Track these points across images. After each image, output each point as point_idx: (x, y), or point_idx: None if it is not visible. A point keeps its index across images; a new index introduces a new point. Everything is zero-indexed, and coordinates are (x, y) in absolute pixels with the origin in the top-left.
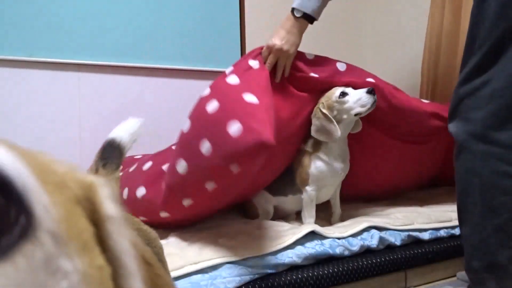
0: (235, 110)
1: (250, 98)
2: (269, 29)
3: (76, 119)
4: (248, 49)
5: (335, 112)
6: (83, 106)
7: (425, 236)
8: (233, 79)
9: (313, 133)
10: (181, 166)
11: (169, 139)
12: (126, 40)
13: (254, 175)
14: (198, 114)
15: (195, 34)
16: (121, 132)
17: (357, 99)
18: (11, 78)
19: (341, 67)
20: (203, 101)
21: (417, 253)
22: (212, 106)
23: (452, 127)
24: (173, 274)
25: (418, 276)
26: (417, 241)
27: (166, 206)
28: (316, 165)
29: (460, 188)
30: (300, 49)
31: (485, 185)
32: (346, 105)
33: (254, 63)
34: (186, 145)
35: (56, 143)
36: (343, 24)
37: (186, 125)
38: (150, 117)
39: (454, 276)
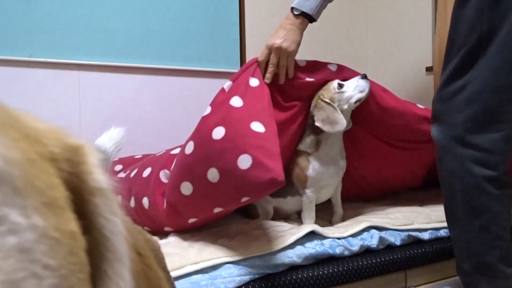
0: (244, 141)
1: (257, 127)
2: (269, 29)
3: (76, 119)
4: (248, 49)
5: (336, 103)
6: (83, 106)
7: (425, 236)
8: (236, 102)
9: (318, 123)
10: (186, 188)
11: (169, 138)
12: (126, 40)
13: None
14: (202, 138)
15: (195, 34)
16: (105, 140)
17: (355, 86)
18: (11, 78)
19: (332, 67)
20: (206, 123)
21: (417, 253)
22: (218, 132)
23: (434, 131)
24: (173, 274)
25: (418, 276)
26: (417, 241)
27: (170, 222)
28: (314, 167)
29: (445, 191)
30: (300, 50)
31: (467, 188)
32: (346, 94)
33: (254, 81)
34: (190, 168)
35: None
36: (344, 26)
37: (188, 146)
38: (150, 117)
39: (454, 276)
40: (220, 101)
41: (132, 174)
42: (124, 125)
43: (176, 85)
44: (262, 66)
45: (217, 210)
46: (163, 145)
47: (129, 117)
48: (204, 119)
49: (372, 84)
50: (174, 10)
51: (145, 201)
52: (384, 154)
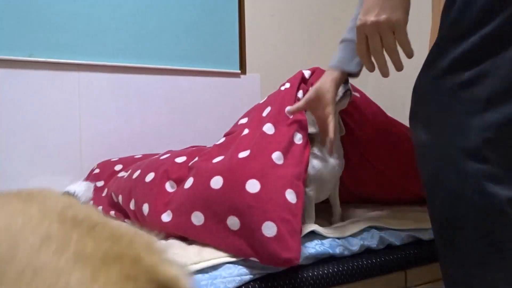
0: (275, 209)
1: (290, 197)
2: (269, 29)
3: (76, 119)
4: (248, 49)
5: None
6: (83, 106)
7: (425, 236)
8: (276, 156)
9: (311, 129)
10: (197, 218)
11: (169, 138)
12: (126, 40)
13: None
14: (234, 182)
15: (194, 34)
16: (77, 187)
17: None
18: (11, 78)
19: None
20: (243, 168)
21: (417, 253)
22: (252, 186)
23: (422, 134)
24: None
25: (418, 276)
26: (417, 241)
27: (167, 231)
28: (312, 164)
29: (439, 219)
30: (300, 51)
31: (482, 215)
32: None
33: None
34: (211, 203)
35: (56, 143)
36: (344, 27)
37: (216, 181)
38: (150, 117)
39: None
40: (259, 136)
41: (134, 176)
42: (124, 125)
43: (176, 85)
44: (362, 55)
45: (220, 249)
46: (163, 145)
47: (129, 117)
48: (234, 154)
49: (357, 90)
50: (174, 10)
51: (145, 208)
52: (370, 174)
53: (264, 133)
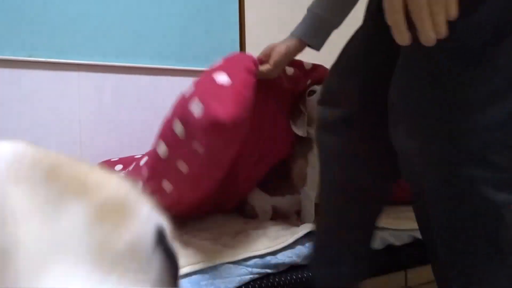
0: (202, 90)
1: (222, 78)
2: (269, 29)
3: (76, 119)
4: (248, 49)
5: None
6: (83, 106)
7: None
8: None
9: (300, 132)
10: (161, 148)
11: None
12: (126, 40)
13: (227, 161)
14: (177, 100)
15: (194, 34)
16: None
17: None
18: (11, 78)
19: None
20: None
21: (417, 253)
22: (188, 91)
23: (402, 135)
24: None
25: (418, 276)
26: (417, 241)
27: (149, 188)
28: (311, 164)
29: (437, 231)
30: (301, 54)
31: (489, 224)
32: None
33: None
34: (164, 128)
35: (56, 143)
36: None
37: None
38: (150, 117)
39: None
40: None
41: (131, 168)
42: (124, 125)
43: (176, 85)
44: (400, 24)
45: (181, 166)
46: None
47: (129, 117)
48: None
49: None
50: (174, 10)
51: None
52: None
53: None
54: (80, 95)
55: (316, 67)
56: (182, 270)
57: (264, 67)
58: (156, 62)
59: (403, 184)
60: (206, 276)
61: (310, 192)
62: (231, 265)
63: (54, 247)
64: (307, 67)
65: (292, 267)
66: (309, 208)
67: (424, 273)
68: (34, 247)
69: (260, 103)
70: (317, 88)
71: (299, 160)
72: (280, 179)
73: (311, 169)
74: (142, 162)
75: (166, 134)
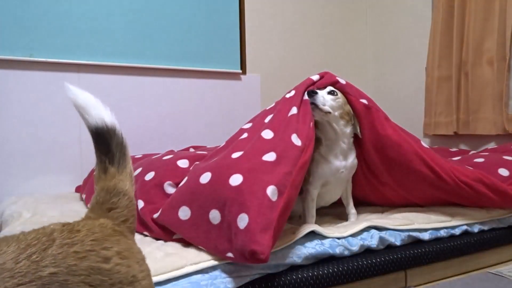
0: (251, 200)
1: (272, 193)
2: (269, 29)
3: (76, 119)
4: (248, 49)
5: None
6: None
7: (425, 236)
8: (267, 139)
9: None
10: (184, 213)
11: (169, 138)
12: (126, 41)
13: None
14: (219, 175)
15: (195, 34)
16: (100, 113)
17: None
18: (11, 78)
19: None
20: (228, 161)
21: (417, 253)
22: (235, 179)
23: None
24: (173, 274)
25: (418, 276)
26: (417, 241)
27: (154, 231)
28: (317, 163)
29: None
30: (303, 52)
31: None
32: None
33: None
34: (198, 197)
35: (56, 143)
36: (345, 27)
37: (205, 176)
38: (150, 117)
39: (454, 276)
40: (256, 139)
41: (134, 174)
42: (124, 125)
43: (176, 85)
44: None
45: (201, 246)
46: (163, 145)
47: (129, 117)
48: (228, 155)
49: (376, 109)
50: (174, 10)
51: (140, 203)
52: (370, 187)
53: (262, 137)
54: None
55: (322, 75)
56: (182, 270)
57: None
58: (156, 62)
59: (404, 195)
60: (206, 276)
61: (313, 190)
62: (231, 265)
63: None
64: (315, 79)
65: (292, 267)
66: (311, 208)
67: (424, 273)
68: None
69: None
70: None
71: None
72: None
73: (315, 167)
74: (147, 178)
75: (196, 207)
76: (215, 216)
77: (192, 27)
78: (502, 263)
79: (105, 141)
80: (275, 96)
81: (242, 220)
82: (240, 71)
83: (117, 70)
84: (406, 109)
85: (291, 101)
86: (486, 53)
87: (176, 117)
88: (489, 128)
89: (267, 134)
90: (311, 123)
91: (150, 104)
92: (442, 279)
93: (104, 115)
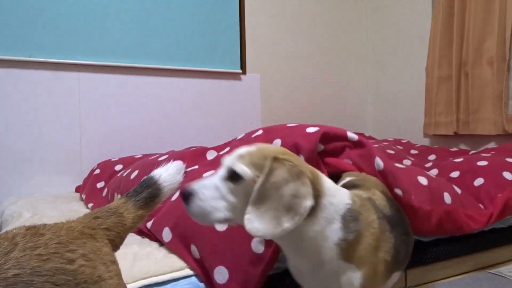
0: (232, 253)
1: (255, 244)
2: (269, 29)
3: (76, 119)
4: (248, 49)
5: None
6: (83, 106)
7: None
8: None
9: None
10: (166, 234)
11: (169, 138)
12: (126, 40)
13: None
14: None
15: (195, 34)
16: (162, 171)
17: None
18: (11, 78)
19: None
20: None
21: (417, 253)
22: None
23: None
24: (173, 275)
25: (418, 276)
26: (417, 241)
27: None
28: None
29: None
30: (302, 54)
31: None
32: None
33: None
34: (182, 223)
35: (56, 143)
36: (345, 28)
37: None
38: (150, 117)
39: (454, 276)
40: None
41: (132, 176)
42: (124, 125)
43: (176, 85)
44: None
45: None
46: (163, 145)
47: (129, 117)
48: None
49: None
50: (174, 11)
51: None
52: None
53: None
54: (80, 95)
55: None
56: (182, 272)
57: None
58: (156, 62)
59: None
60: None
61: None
62: None
63: None
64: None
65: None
66: None
67: (424, 273)
68: None
69: None
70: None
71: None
72: None
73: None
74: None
75: (177, 236)
76: (194, 251)
77: (192, 27)
78: (502, 263)
79: (143, 186)
80: (275, 96)
81: (220, 274)
82: (240, 71)
83: (117, 70)
84: (406, 109)
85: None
86: (486, 53)
87: (176, 117)
88: (489, 128)
89: None
90: None
91: (150, 104)
92: (442, 279)
93: (163, 175)
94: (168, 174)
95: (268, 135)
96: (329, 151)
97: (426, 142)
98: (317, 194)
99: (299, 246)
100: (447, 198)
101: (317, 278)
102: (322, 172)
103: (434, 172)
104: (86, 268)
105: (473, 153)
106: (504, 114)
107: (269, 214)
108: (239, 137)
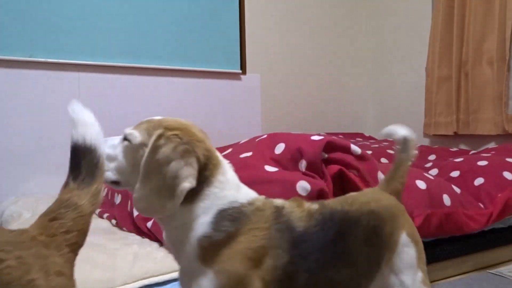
0: None
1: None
2: (269, 29)
3: None
4: (248, 49)
5: None
6: (83, 106)
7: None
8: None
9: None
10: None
11: None
12: (126, 40)
13: None
14: None
15: (195, 34)
16: (83, 131)
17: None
18: (11, 78)
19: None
20: None
21: None
22: None
23: None
24: (173, 275)
25: None
26: None
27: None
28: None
29: None
30: (302, 54)
31: None
32: None
33: None
34: None
35: (56, 143)
36: (344, 28)
37: None
38: (150, 117)
39: (454, 276)
40: None
41: None
42: (124, 125)
43: (176, 85)
44: None
45: None
46: None
47: (129, 118)
48: None
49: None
50: (175, 11)
51: (135, 211)
52: None
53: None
54: (80, 95)
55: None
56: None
57: None
58: (156, 63)
59: None
60: None
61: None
62: None
63: None
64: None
65: None
66: None
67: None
68: None
69: None
70: None
71: None
72: None
73: None
74: None
75: None
76: None
77: (192, 27)
78: (502, 263)
79: (76, 159)
80: (275, 96)
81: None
82: (240, 71)
83: (117, 70)
84: (406, 109)
85: None
86: (486, 53)
87: (176, 117)
88: (489, 128)
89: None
90: None
91: (150, 104)
92: (442, 279)
93: (87, 134)
94: (92, 130)
95: (272, 139)
96: (331, 161)
97: (426, 142)
98: (203, 181)
99: (170, 232)
100: (446, 200)
101: (181, 271)
102: (325, 178)
103: (434, 172)
104: (13, 270)
105: (473, 153)
106: (504, 114)
107: (153, 194)
108: (243, 141)
